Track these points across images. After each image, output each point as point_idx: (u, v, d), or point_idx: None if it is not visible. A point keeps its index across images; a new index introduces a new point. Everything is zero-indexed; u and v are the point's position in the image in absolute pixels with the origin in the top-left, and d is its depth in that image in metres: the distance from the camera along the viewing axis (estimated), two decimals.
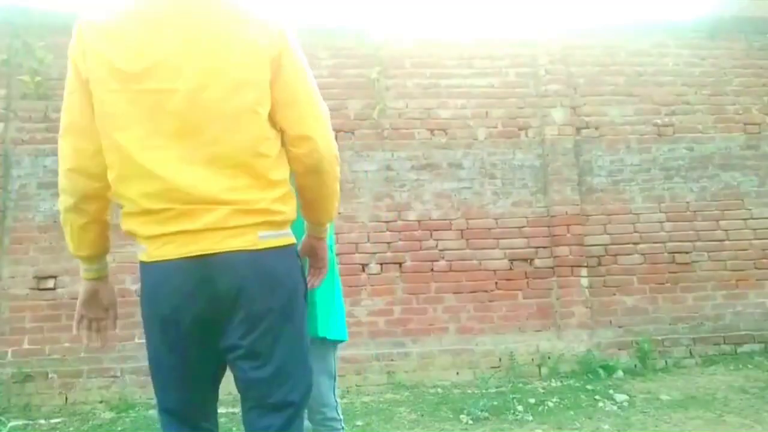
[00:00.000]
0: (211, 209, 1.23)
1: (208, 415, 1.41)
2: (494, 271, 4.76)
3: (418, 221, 4.78)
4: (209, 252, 1.24)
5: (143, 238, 1.29)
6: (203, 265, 1.25)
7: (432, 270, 4.71)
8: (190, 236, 1.25)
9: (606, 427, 3.34)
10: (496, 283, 4.75)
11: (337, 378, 1.84)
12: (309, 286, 1.50)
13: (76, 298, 4.35)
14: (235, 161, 1.24)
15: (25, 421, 3.81)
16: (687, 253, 4.93)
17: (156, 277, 1.30)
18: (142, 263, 1.32)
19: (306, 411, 1.72)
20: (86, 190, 1.33)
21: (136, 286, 4.39)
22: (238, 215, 1.25)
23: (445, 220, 4.80)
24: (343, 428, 1.79)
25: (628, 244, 4.91)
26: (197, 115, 1.22)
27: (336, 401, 1.79)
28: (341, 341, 1.87)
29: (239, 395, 1.38)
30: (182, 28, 1.23)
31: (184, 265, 1.25)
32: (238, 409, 4.07)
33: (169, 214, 1.24)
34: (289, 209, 1.35)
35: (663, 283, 4.88)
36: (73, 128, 1.32)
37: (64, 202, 1.37)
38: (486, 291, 4.73)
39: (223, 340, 1.30)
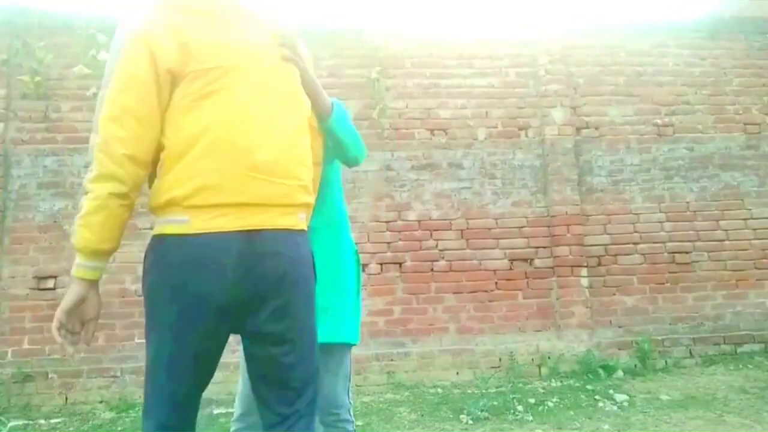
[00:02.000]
0: (278, 183, 1.31)
1: (199, 400, 1.39)
2: (494, 271, 4.77)
3: (418, 221, 4.78)
4: (263, 227, 1.29)
5: (186, 208, 1.26)
6: (254, 241, 1.28)
7: (432, 270, 4.71)
8: (247, 210, 1.28)
9: (606, 427, 3.34)
10: (496, 283, 4.75)
11: (351, 379, 1.84)
12: None
13: None
14: (293, 141, 1.39)
15: (25, 421, 3.81)
16: (687, 253, 4.94)
17: (200, 249, 1.26)
18: (176, 236, 1.27)
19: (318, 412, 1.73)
20: (139, 178, 1.31)
21: (136, 286, 4.39)
22: (300, 191, 1.36)
23: (445, 220, 4.80)
24: (354, 430, 1.79)
25: (628, 244, 4.91)
26: (268, 102, 1.36)
27: (350, 403, 1.79)
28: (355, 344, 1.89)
29: (253, 370, 1.37)
30: (250, 30, 1.39)
31: (237, 240, 1.27)
32: None
33: (235, 185, 1.27)
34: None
35: (663, 283, 4.88)
36: (134, 114, 1.27)
37: (112, 188, 1.26)
38: (486, 291, 4.73)
39: (249, 324, 1.31)
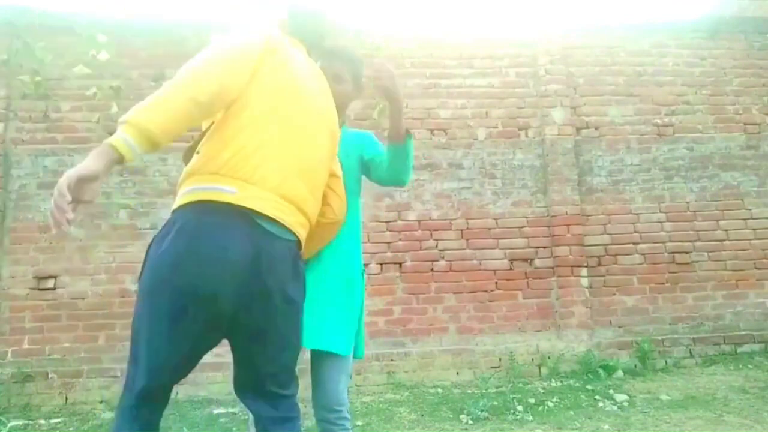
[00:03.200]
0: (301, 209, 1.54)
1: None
2: (494, 271, 4.76)
3: (418, 221, 4.78)
4: (284, 223, 1.44)
5: (234, 179, 1.35)
6: (275, 233, 1.41)
7: (432, 270, 4.71)
8: (285, 206, 1.44)
9: (606, 427, 3.34)
10: (496, 283, 4.75)
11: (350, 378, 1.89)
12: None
13: (76, 298, 4.36)
14: (320, 179, 1.69)
15: (25, 421, 3.81)
16: (687, 253, 4.93)
17: (240, 220, 1.35)
18: (219, 203, 1.34)
19: (317, 410, 1.78)
20: (215, 107, 1.38)
21: (136, 286, 4.38)
22: (303, 227, 1.60)
23: (445, 220, 4.80)
24: (351, 429, 1.81)
25: (628, 244, 4.90)
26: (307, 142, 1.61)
27: (348, 403, 1.82)
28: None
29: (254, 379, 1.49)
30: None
31: (274, 232, 1.40)
32: (237, 409, 4.05)
33: (292, 171, 1.45)
34: None
35: (663, 283, 4.88)
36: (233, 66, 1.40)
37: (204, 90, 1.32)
38: (486, 291, 4.73)
39: (242, 321, 1.41)
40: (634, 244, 4.91)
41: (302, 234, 1.51)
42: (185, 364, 1.38)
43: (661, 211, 4.99)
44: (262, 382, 1.46)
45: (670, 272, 4.89)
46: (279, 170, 1.41)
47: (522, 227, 4.86)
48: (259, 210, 1.36)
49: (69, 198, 1.19)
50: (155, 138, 1.25)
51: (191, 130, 1.41)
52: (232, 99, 1.39)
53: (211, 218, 1.33)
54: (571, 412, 3.62)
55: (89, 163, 1.21)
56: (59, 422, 3.81)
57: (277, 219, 1.40)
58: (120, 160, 1.24)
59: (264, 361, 1.45)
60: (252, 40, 1.46)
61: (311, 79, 1.60)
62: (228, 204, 1.33)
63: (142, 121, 1.24)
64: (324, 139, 1.59)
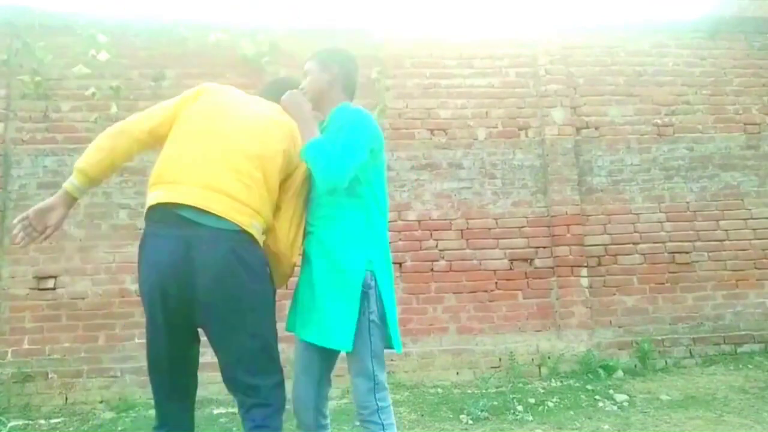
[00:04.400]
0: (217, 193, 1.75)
1: None
2: (494, 271, 4.76)
3: (418, 221, 4.78)
4: (206, 208, 1.68)
5: (164, 183, 1.64)
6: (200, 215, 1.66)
7: (432, 270, 4.71)
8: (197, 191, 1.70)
9: (606, 427, 3.34)
10: (496, 283, 4.75)
11: (377, 380, 1.79)
12: None
13: (76, 298, 4.38)
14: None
15: (25, 421, 3.81)
16: (687, 253, 4.93)
17: (164, 215, 1.65)
18: (155, 206, 1.64)
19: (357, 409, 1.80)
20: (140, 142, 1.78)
21: (136, 286, 4.38)
22: (237, 209, 1.78)
23: (445, 220, 4.80)
24: None
25: (628, 244, 4.90)
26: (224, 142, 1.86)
27: (377, 405, 1.76)
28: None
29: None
30: None
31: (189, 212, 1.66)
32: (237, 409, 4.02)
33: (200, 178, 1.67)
34: None
35: (663, 283, 4.88)
36: (157, 121, 1.77)
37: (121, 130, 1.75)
38: (486, 291, 4.72)
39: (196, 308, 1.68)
40: (634, 244, 4.91)
41: (246, 221, 1.62)
42: (168, 355, 1.63)
43: (661, 211, 4.99)
44: (232, 370, 1.60)
45: (670, 272, 4.89)
46: (201, 168, 1.61)
47: (522, 227, 4.86)
48: (183, 202, 1.55)
49: (27, 220, 1.64)
50: (87, 172, 1.66)
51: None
52: (160, 133, 1.73)
53: (151, 228, 1.64)
54: (571, 412, 3.62)
55: (48, 199, 1.68)
56: (59, 422, 3.82)
57: (203, 207, 1.55)
58: (70, 195, 1.69)
59: (222, 348, 1.60)
60: (181, 95, 1.83)
61: (245, 105, 1.80)
62: (160, 204, 1.59)
63: (78, 163, 1.69)
64: (250, 142, 1.71)
